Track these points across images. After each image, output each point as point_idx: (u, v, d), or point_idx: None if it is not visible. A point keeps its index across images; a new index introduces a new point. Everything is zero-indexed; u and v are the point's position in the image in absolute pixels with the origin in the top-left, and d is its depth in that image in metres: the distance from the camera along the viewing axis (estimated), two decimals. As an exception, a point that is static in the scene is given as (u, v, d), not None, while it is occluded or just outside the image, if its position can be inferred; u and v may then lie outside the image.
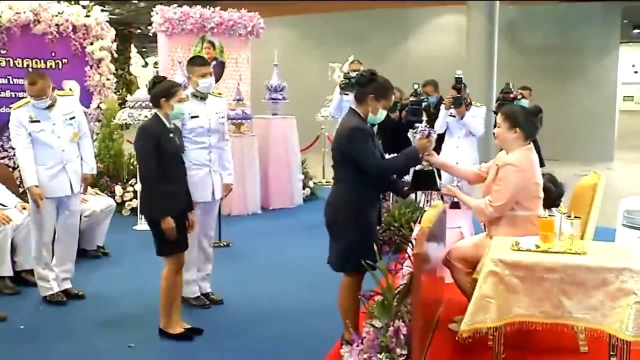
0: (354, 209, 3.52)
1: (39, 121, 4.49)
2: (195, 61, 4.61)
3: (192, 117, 4.44)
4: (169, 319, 4.06)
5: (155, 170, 3.86)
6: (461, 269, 3.96)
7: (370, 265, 3.43)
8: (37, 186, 4.46)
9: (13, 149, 5.21)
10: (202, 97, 4.54)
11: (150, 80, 4.13)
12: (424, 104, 7.01)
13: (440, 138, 6.58)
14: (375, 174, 3.52)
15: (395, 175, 3.77)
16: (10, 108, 4.74)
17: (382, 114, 3.59)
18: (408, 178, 4.00)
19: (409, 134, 3.91)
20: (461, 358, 3.68)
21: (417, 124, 3.96)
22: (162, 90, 3.97)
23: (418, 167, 3.86)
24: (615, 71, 14.80)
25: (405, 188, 3.88)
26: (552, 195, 4.26)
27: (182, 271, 4.17)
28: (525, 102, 6.70)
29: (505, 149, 3.95)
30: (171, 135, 3.97)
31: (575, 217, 3.38)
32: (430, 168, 3.90)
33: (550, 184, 4.33)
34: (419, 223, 3.99)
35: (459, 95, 6.20)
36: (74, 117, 4.69)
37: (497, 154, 4.12)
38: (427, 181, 3.90)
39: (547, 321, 3.22)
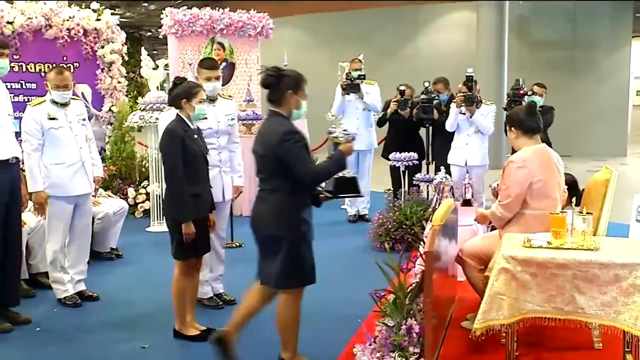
0: (294, 219, 3.32)
1: (56, 119, 4.54)
2: (203, 64, 4.64)
3: (201, 119, 4.47)
4: (184, 320, 4.07)
5: (182, 172, 3.84)
6: (473, 266, 3.95)
7: (312, 277, 3.40)
8: (42, 191, 4.51)
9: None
10: (210, 99, 4.56)
11: (172, 81, 4.15)
12: (434, 101, 7.00)
13: (450, 135, 6.58)
14: (310, 181, 3.34)
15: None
16: (23, 112, 4.78)
17: (304, 106, 3.44)
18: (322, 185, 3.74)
19: (331, 136, 3.73)
20: (474, 356, 3.67)
21: (331, 129, 3.88)
22: (183, 91, 3.98)
23: (339, 174, 3.69)
24: (628, 65, 14.68)
25: (321, 195, 3.60)
26: (578, 190, 4.28)
27: (198, 273, 4.18)
28: (538, 99, 6.66)
29: (516, 150, 3.97)
30: (195, 136, 3.99)
31: (588, 213, 3.37)
32: (352, 174, 3.80)
33: (573, 177, 4.36)
34: (430, 221, 3.99)
35: (470, 93, 6.19)
36: (85, 119, 4.80)
37: (507, 152, 4.12)
38: (349, 188, 3.76)
39: (560, 317, 3.21)
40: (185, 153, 3.86)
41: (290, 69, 3.45)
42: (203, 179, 4.03)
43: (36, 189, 4.49)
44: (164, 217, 4.27)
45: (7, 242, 4.25)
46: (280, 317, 3.47)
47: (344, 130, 3.77)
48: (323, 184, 3.77)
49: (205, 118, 4.22)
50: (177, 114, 4.01)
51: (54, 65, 7.10)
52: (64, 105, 4.60)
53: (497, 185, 5.11)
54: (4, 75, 4.35)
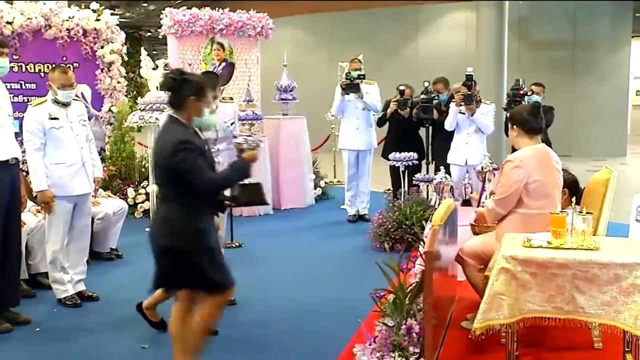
0: (193, 230, 3.15)
1: (57, 118, 4.54)
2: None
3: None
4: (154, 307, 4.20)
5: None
6: (473, 265, 3.96)
7: (229, 283, 3.27)
8: (48, 190, 4.50)
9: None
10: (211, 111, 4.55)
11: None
12: (434, 101, 7.00)
13: (450, 135, 6.58)
14: (207, 190, 3.17)
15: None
16: (23, 112, 4.79)
17: (207, 114, 3.29)
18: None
19: (234, 142, 3.68)
20: (474, 356, 3.67)
21: (236, 134, 3.84)
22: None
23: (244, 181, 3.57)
24: (627, 65, 14.69)
25: (226, 202, 3.46)
26: (579, 189, 4.28)
27: None
28: (537, 98, 6.67)
29: (517, 149, 3.97)
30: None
31: (587, 212, 3.36)
32: (257, 181, 3.71)
33: (574, 177, 4.36)
34: (430, 221, 4.00)
35: (469, 93, 6.20)
36: (85, 120, 4.80)
37: (507, 151, 4.13)
38: (254, 195, 3.67)
39: (560, 316, 3.21)
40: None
41: (196, 74, 3.34)
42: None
43: (41, 187, 4.49)
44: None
45: (7, 242, 4.25)
46: (197, 323, 3.33)
47: (248, 136, 3.70)
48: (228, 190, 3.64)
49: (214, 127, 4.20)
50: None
51: (55, 65, 7.11)
52: (65, 105, 4.60)
53: (481, 168, 5.13)
54: (3, 75, 4.35)
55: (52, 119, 4.51)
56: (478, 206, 4.86)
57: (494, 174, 4.96)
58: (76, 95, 5.63)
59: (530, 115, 3.89)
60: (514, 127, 3.92)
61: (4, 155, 4.19)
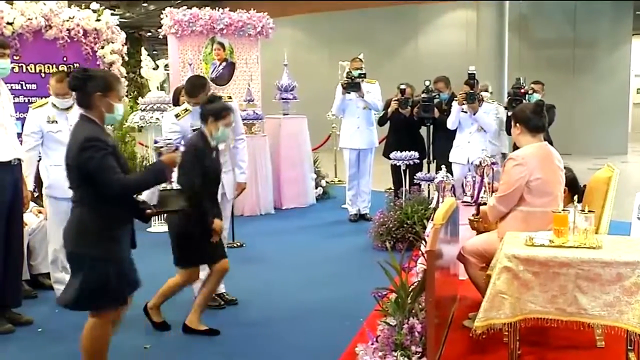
0: (98, 235, 3.02)
1: (56, 122, 4.53)
2: (186, 89, 4.63)
3: (195, 130, 4.46)
4: (158, 308, 4.26)
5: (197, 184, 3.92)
6: (475, 263, 3.95)
7: (115, 300, 3.10)
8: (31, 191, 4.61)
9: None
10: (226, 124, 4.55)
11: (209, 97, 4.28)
12: (435, 100, 7.00)
13: (451, 134, 6.57)
14: (117, 191, 3.02)
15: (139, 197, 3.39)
16: (24, 113, 4.80)
17: (119, 109, 3.16)
18: (143, 197, 3.55)
19: (154, 146, 3.68)
20: (476, 355, 3.66)
21: (157, 139, 3.84)
22: (214, 110, 4.09)
23: (162, 187, 3.54)
24: (628, 63, 14.68)
25: (148, 211, 3.35)
26: (579, 188, 4.28)
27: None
28: (537, 97, 6.66)
29: (519, 146, 3.96)
30: (213, 155, 4.08)
31: (589, 211, 3.36)
32: (178, 187, 3.70)
33: (574, 175, 4.36)
34: (432, 220, 3.99)
35: (472, 91, 6.19)
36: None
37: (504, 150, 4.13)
38: (173, 202, 3.62)
39: (563, 318, 3.19)
40: (201, 167, 3.97)
41: (100, 70, 3.32)
42: (212, 197, 4.15)
43: (29, 187, 4.55)
44: (168, 228, 4.29)
45: (9, 242, 4.25)
46: (85, 342, 3.21)
47: (167, 139, 3.69)
48: (145, 197, 3.58)
49: (225, 141, 4.34)
50: (200, 129, 4.12)
51: (56, 70, 7.10)
52: (66, 109, 4.59)
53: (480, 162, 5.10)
54: (5, 75, 4.35)
55: (50, 122, 4.51)
56: (477, 201, 4.83)
57: (492, 169, 4.93)
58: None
59: (534, 114, 3.88)
60: (517, 124, 3.91)
61: (6, 156, 4.19)
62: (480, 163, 5.19)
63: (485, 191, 4.88)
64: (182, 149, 3.71)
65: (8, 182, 4.21)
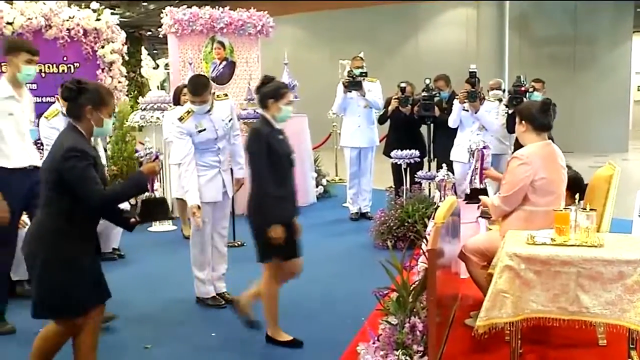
0: (63, 241, 2.96)
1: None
2: (189, 86, 4.56)
3: (200, 132, 4.45)
4: (276, 324, 3.97)
5: (268, 174, 3.73)
6: (476, 262, 3.94)
7: (82, 309, 3.00)
8: None
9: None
10: (205, 112, 4.53)
11: (261, 79, 4.07)
12: (435, 98, 6.99)
13: (452, 133, 6.57)
14: (97, 203, 2.98)
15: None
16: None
17: (108, 124, 3.14)
18: (124, 206, 3.51)
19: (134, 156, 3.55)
20: (478, 353, 3.66)
21: (138, 149, 3.70)
22: (271, 90, 3.90)
23: (146, 196, 3.49)
24: (629, 61, 14.65)
25: (132, 220, 3.30)
26: (583, 186, 4.26)
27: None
28: (537, 95, 6.65)
29: (523, 144, 3.95)
30: (280, 136, 3.89)
31: (591, 209, 3.35)
32: (161, 197, 3.65)
33: (576, 174, 4.34)
34: (433, 219, 3.99)
35: (473, 89, 6.18)
36: (104, 134, 4.81)
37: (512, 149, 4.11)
38: (156, 211, 3.55)
39: (565, 317, 3.18)
40: (270, 154, 3.74)
41: (94, 83, 3.22)
42: (288, 182, 3.87)
43: None
44: (249, 219, 3.91)
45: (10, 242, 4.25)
46: (38, 343, 3.14)
47: (148, 148, 3.59)
48: (126, 206, 3.51)
49: (289, 118, 4.11)
50: (262, 115, 3.93)
51: (56, 69, 7.11)
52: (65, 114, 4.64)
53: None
54: (29, 81, 4.31)
55: (97, 136, 4.54)
56: (472, 182, 4.77)
57: (482, 153, 4.89)
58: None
59: (541, 112, 3.86)
60: (523, 122, 3.88)
61: (22, 163, 4.18)
62: (470, 147, 5.15)
63: (475, 176, 4.81)
64: (161, 157, 3.62)
65: (24, 188, 4.17)
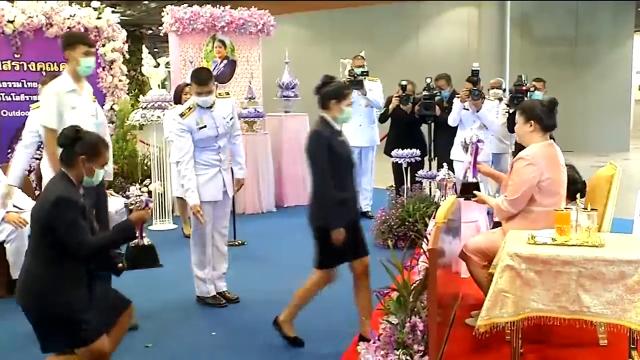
0: (55, 290, 2.96)
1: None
2: (194, 77, 4.55)
3: (200, 128, 4.45)
4: (291, 320, 3.96)
5: (329, 176, 3.65)
6: (477, 262, 3.94)
7: (82, 343, 2.97)
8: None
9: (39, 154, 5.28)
10: (208, 106, 4.52)
11: (322, 80, 4.00)
12: (436, 98, 6.99)
13: (452, 132, 6.56)
14: (85, 253, 2.99)
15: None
16: (25, 111, 4.82)
17: (99, 175, 3.15)
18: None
19: (124, 202, 3.49)
20: (479, 353, 3.66)
21: (129, 194, 3.68)
22: (333, 91, 3.82)
23: (133, 243, 3.49)
24: (630, 60, 14.64)
25: (120, 265, 3.29)
26: (579, 186, 4.25)
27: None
28: (538, 94, 6.65)
29: (525, 144, 3.93)
30: (340, 138, 3.80)
31: (592, 209, 3.35)
32: (150, 243, 3.56)
33: (575, 174, 4.32)
34: (434, 218, 3.98)
35: (475, 88, 6.18)
36: (94, 184, 4.77)
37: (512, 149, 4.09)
38: (145, 258, 3.55)
39: (565, 317, 3.18)
40: (331, 157, 3.66)
41: (93, 134, 3.22)
42: (349, 184, 3.79)
43: (11, 182, 4.63)
44: (310, 223, 3.85)
45: None
46: None
47: (139, 196, 3.52)
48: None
49: (349, 120, 4.03)
50: (322, 116, 3.82)
51: (57, 68, 7.10)
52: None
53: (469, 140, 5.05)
54: (88, 74, 4.28)
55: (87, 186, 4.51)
56: (465, 176, 4.70)
57: (476, 146, 4.85)
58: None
59: (548, 112, 3.86)
60: (531, 122, 3.84)
61: None
62: (465, 140, 5.09)
63: (469, 170, 4.74)
64: (151, 205, 3.57)
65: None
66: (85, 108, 4.15)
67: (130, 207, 3.35)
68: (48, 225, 2.94)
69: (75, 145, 3.06)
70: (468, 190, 4.02)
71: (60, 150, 3.13)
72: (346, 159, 3.78)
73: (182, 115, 4.49)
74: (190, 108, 4.50)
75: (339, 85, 3.92)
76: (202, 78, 4.47)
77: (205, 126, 4.47)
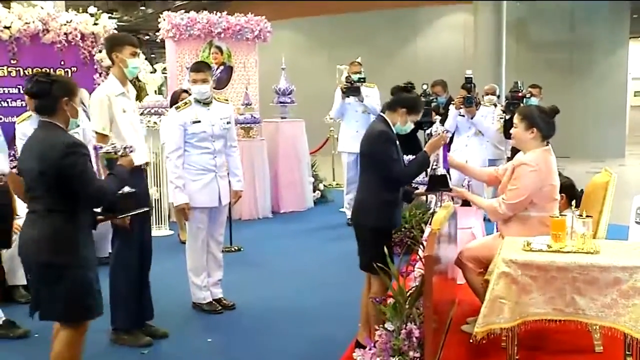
0: (76, 243, 2.93)
1: (78, 125, 4.52)
2: (191, 67, 4.64)
3: (194, 122, 4.46)
4: (367, 334, 3.71)
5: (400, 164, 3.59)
6: (473, 269, 3.94)
7: (99, 307, 3.02)
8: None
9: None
10: (205, 102, 4.55)
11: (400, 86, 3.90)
12: (433, 104, 7.01)
13: (450, 137, 6.57)
14: (96, 199, 3.03)
15: None
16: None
17: (81, 114, 3.18)
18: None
19: (101, 152, 3.43)
20: (475, 359, 3.66)
21: (96, 145, 3.64)
22: (410, 101, 3.73)
23: (120, 191, 3.31)
24: (625, 66, 14.71)
25: (99, 217, 3.24)
26: (577, 193, 4.27)
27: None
28: (534, 101, 6.68)
29: (522, 150, 3.94)
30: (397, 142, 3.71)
31: (587, 216, 3.36)
32: (133, 190, 3.41)
33: (571, 181, 4.34)
34: (430, 225, 3.98)
35: (469, 95, 6.20)
36: (78, 125, 4.76)
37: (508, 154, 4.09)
38: (132, 204, 3.42)
39: (561, 318, 3.20)
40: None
41: (60, 75, 3.20)
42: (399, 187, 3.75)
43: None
44: (355, 225, 3.82)
45: (144, 253, 4.17)
46: (58, 356, 3.06)
47: (112, 144, 3.53)
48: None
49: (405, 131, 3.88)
50: (383, 117, 3.71)
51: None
52: None
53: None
54: (134, 76, 4.22)
55: (72, 129, 4.52)
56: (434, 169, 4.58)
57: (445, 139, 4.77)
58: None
59: (550, 120, 3.89)
60: (533, 129, 3.84)
61: (140, 160, 3.99)
62: (431, 135, 5.03)
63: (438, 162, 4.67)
64: (129, 151, 3.53)
65: (143, 186, 4.09)
66: (134, 111, 4.13)
67: (111, 156, 3.28)
68: (60, 175, 2.83)
69: (52, 89, 2.94)
70: (436, 183, 3.99)
71: (35, 101, 3.00)
72: (402, 163, 3.73)
73: (177, 108, 4.53)
74: (186, 103, 4.54)
75: (417, 99, 3.83)
76: (199, 65, 4.59)
77: (199, 121, 4.47)
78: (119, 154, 3.31)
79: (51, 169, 2.84)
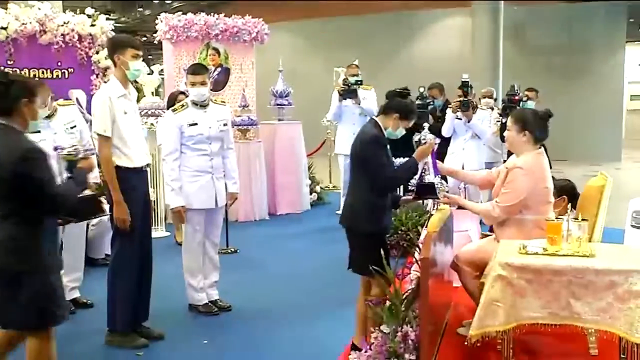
0: (37, 249, 2.82)
1: (39, 131, 4.49)
2: (188, 69, 4.65)
3: (190, 125, 4.46)
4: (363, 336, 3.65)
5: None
6: (469, 272, 3.95)
7: (64, 312, 2.94)
8: None
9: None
10: (201, 104, 4.55)
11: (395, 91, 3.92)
12: (429, 107, 7.02)
13: (447, 140, 6.58)
14: (56, 204, 2.87)
15: None
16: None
17: (41, 116, 3.07)
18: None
19: (61, 154, 3.39)
20: (470, 362, 3.66)
21: (61, 146, 3.62)
22: (404, 107, 3.79)
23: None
24: (622, 70, 14.76)
25: (59, 220, 3.17)
26: (578, 195, 4.28)
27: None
28: (531, 104, 6.70)
29: (515, 153, 3.95)
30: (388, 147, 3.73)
31: (583, 219, 3.36)
32: (94, 193, 3.43)
33: (572, 183, 4.35)
34: (426, 227, 3.98)
35: (466, 99, 6.22)
36: (74, 127, 4.76)
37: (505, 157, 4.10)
38: (93, 208, 3.43)
39: (556, 322, 3.20)
40: None
41: (19, 74, 3.09)
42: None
43: None
44: (346, 229, 3.89)
45: (144, 255, 4.15)
46: None
47: (74, 145, 3.49)
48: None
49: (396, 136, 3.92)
50: (376, 121, 3.77)
51: (50, 74, 7.10)
52: (48, 117, 4.54)
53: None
54: (136, 78, 4.23)
55: (33, 132, 4.49)
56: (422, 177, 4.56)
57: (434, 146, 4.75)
58: (69, 99, 5.66)
59: (543, 124, 3.90)
60: (525, 132, 3.85)
61: (141, 162, 4.04)
62: (420, 140, 4.99)
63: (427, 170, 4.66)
64: (90, 153, 3.48)
65: (143, 189, 4.11)
66: (135, 112, 4.13)
67: (71, 158, 3.22)
68: (17, 180, 2.70)
69: (10, 90, 2.79)
70: (424, 192, 4.00)
71: None
72: (393, 167, 3.76)
73: (174, 110, 4.54)
74: (183, 105, 4.55)
75: (411, 106, 3.86)
76: (196, 68, 4.59)
77: (196, 124, 4.48)
78: (79, 156, 3.25)
79: (8, 175, 2.71)
